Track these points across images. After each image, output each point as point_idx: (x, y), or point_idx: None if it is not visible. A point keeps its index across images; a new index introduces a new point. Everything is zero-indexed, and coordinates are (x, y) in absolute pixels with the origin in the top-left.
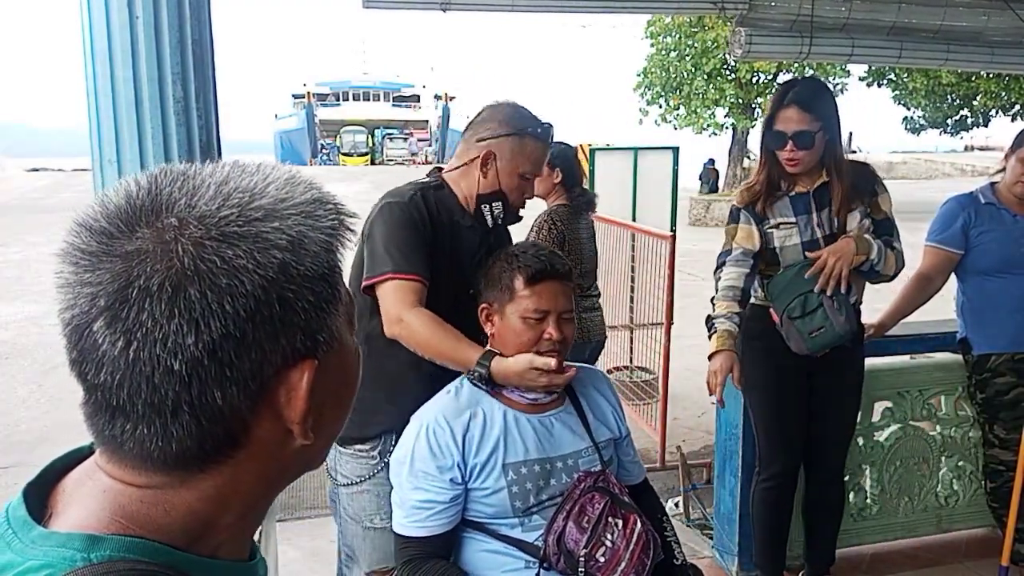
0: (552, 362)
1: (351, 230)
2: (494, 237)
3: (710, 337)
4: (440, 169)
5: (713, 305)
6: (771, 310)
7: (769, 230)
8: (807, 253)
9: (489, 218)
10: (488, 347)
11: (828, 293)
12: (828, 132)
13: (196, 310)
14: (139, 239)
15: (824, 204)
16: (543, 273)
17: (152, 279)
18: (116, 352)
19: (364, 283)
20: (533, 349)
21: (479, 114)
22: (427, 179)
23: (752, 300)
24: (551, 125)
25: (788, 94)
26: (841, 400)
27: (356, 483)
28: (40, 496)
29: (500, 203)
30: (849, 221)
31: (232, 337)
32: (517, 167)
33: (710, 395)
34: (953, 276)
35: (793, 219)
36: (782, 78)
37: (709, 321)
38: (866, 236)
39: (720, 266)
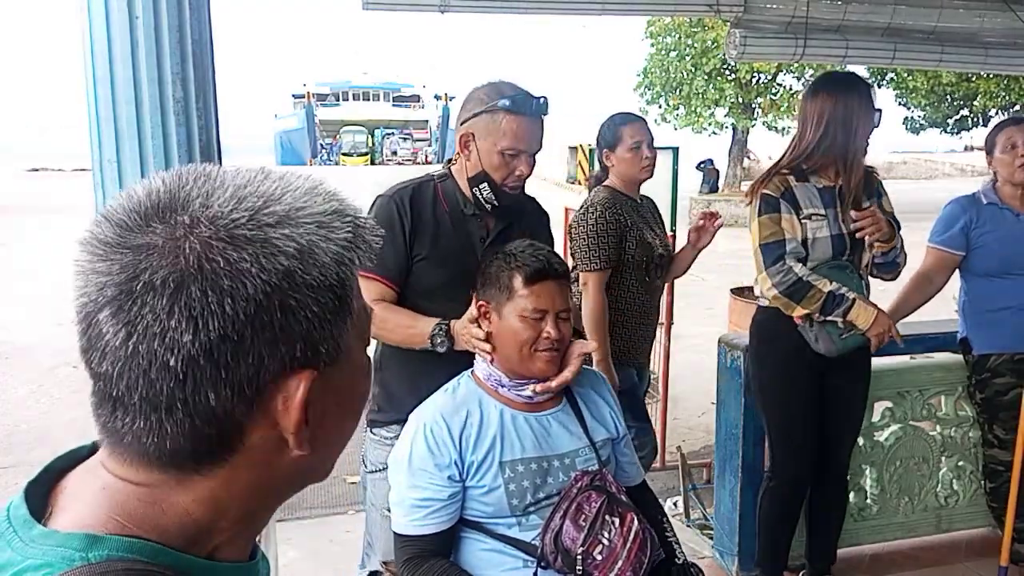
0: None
1: (369, 244)
2: (512, 222)
3: (846, 310)
4: (452, 162)
5: (810, 285)
6: (793, 312)
7: (803, 220)
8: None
9: (483, 202)
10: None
11: (866, 239)
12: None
13: (196, 309)
14: (151, 233)
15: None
16: (542, 273)
17: (157, 274)
18: (118, 343)
19: None
20: (532, 348)
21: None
22: (437, 171)
23: (764, 302)
24: (530, 95)
25: (865, 81)
26: (850, 401)
27: (380, 470)
28: (41, 495)
29: (486, 183)
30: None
31: (230, 339)
32: (494, 144)
33: (900, 344)
34: (956, 276)
35: (823, 211)
36: (782, 78)
37: (832, 297)
38: (891, 224)
39: (779, 258)
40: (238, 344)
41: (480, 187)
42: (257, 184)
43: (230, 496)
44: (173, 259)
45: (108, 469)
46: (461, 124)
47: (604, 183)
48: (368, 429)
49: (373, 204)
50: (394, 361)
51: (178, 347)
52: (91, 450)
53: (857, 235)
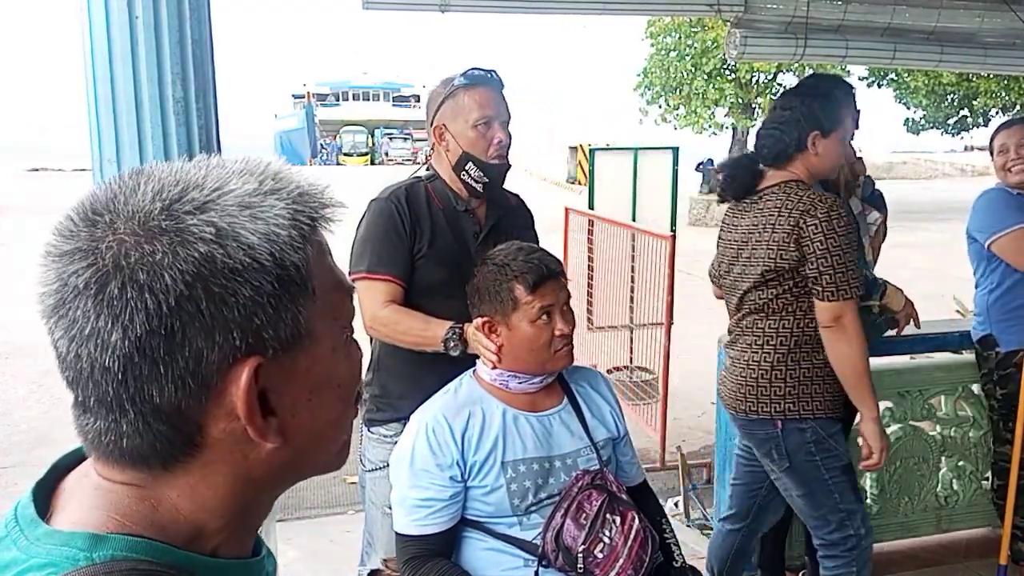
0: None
1: (322, 218)
2: (501, 216)
3: (882, 294)
4: (428, 158)
5: None
6: None
7: None
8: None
9: (473, 183)
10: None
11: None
12: None
13: (117, 306)
14: (77, 238)
15: (838, 193)
16: (542, 277)
17: (80, 277)
18: (64, 350)
19: (352, 277)
20: (550, 349)
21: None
22: (425, 172)
23: None
24: (481, 69)
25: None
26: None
27: (380, 468)
28: (46, 494)
29: (470, 162)
30: (854, 206)
31: (158, 333)
32: (465, 121)
33: (917, 328)
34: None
35: None
36: (782, 78)
37: (869, 282)
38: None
39: None
40: (168, 337)
41: (466, 169)
42: (183, 173)
43: (212, 491)
44: (92, 260)
45: (96, 470)
46: (431, 124)
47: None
48: (366, 428)
49: (368, 209)
50: (392, 361)
51: (109, 347)
52: None
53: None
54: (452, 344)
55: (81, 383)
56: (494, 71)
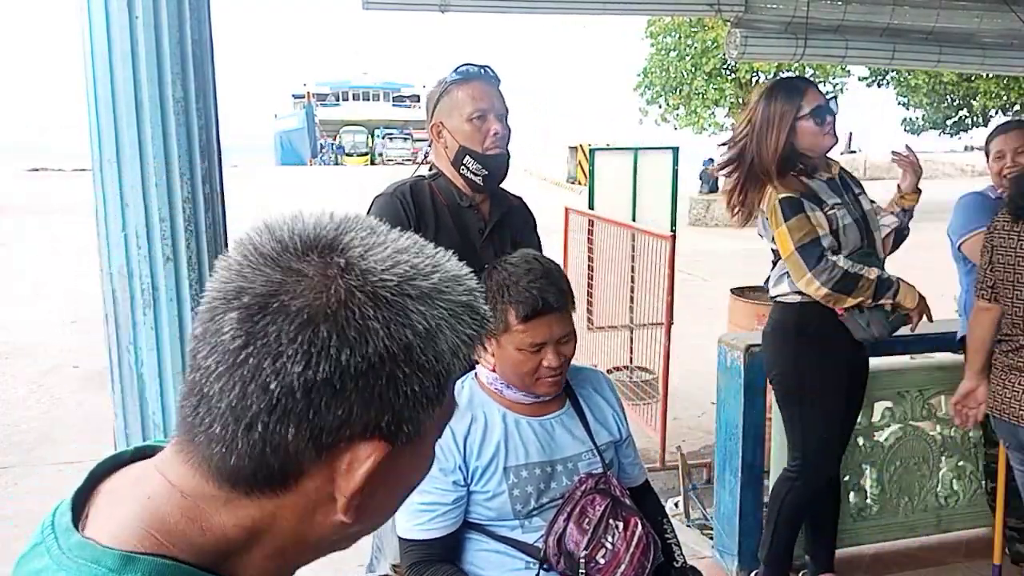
0: None
1: (484, 344)
2: (504, 213)
3: (895, 292)
4: (427, 156)
5: (858, 276)
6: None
7: (830, 212)
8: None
9: (472, 177)
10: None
11: (910, 319)
12: None
13: (316, 346)
14: (306, 263)
15: (847, 188)
16: (536, 311)
17: (296, 300)
18: (232, 347)
19: None
20: (534, 377)
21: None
22: (427, 172)
23: (800, 298)
24: (474, 64)
25: (800, 81)
26: (854, 396)
27: None
28: (82, 499)
29: (468, 156)
30: (864, 203)
31: (332, 386)
32: (460, 115)
33: (930, 321)
34: (956, 272)
35: (840, 199)
36: None
37: (881, 282)
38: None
39: (821, 256)
40: (337, 393)
41: (464, 163)
42: (413, 254)
43: (270, 531)
44: (315, 293)
45: (163, 472)
46: (430, 123)
47: None
48: None
49: (373, 203)
50: None
51: (284, 374)
52: (133, 455)
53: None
54: None
55: (225, 382)
56: (488, 66)
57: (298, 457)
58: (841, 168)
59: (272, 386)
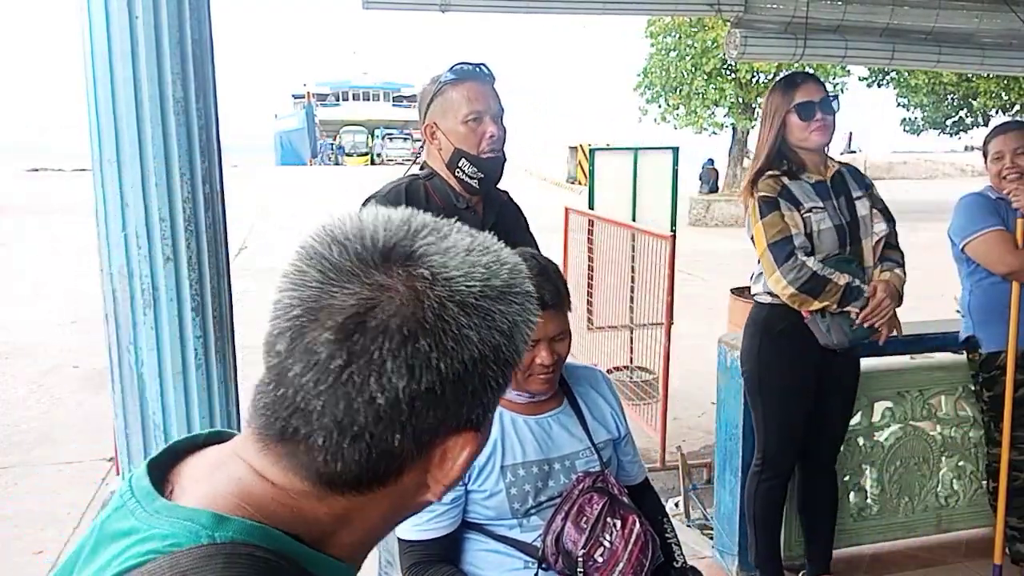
0: None
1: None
2: (501, 215)
3: (864, 306)
4: (418, 156)
5: (827, 279)
6: (808, 307)
7: (806, 215)
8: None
9: (468, 180)
10: None
11: (877, 332)
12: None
13: (418, 359)
14: (392, 277)
15: (840, 192)
16: None
17: (394, 318)
18: (332, 366)
19: None
20: (526, 373)
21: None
22: (421, 172)
23: (771, 299)
24: (469, 63)
25: (798, 76)
26: (846, 394)
27: None
28: (160, 473)
29: (463, 159)
30: (860, 209)
31: (433, 392)
32: (455, 117)
33: (900, 336)
34: (956, 272)
35: (821, 203)
36: None
37: (849, 289)
38: (899, 273)
39: (790, 254)
40: (438, 399)
41: (460, 166)
42: (479, 253)
43: (362, 518)
44: (412, 309)
45: (248, 462)
46: (423, 123)
47: None
48: None
49: (366, 205)
50: None
51: (390, 388)
52: (207, 438)
53: (864, 323)
54: None
55: (328, 399)
56: (483, 64)
57: (401, 458)
58: (844, 170)
59: (379, 400)
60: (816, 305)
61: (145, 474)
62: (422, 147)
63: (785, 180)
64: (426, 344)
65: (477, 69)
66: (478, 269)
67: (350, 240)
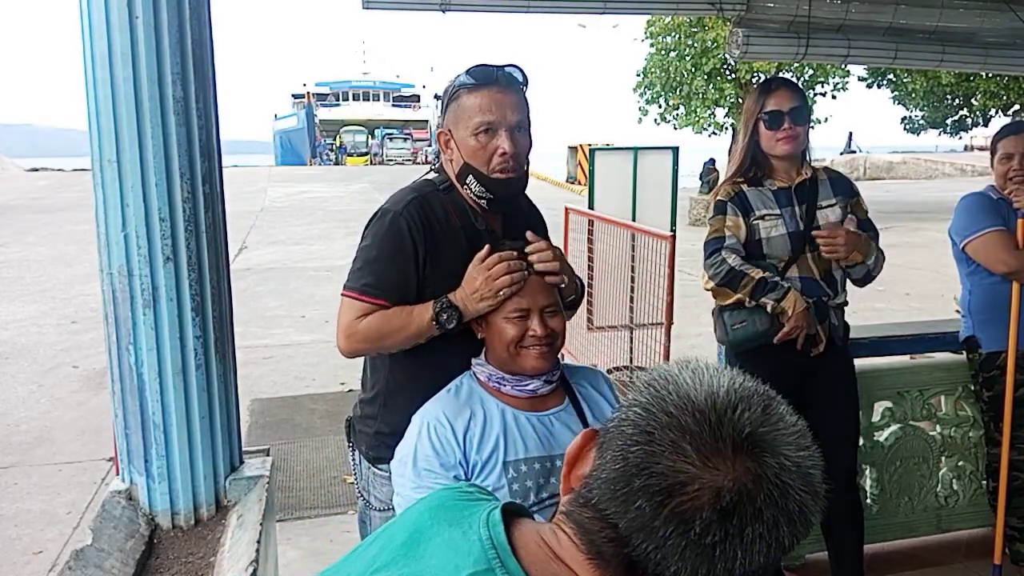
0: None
1: None
2: (518, 223)
3: (782, 296)
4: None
5: (743, 273)
6: (727, 300)
7: (755, 222)
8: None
9: (476, 200)
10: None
11: (825, 255)
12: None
13: (779, 541)
14: (762, 466)
15: (804, 199)
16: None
17: (769, 509)
18: (706, 541)
19: (343, 292)
20: (518, 346)
21: None
22: (437, 178)
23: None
24: (490, 66)
25: (773, 82)
26: (840, 400)
27: (389, 509)
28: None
29: (471, 175)
30: (822, 217)
31: (771, 562)
32: (466, 128)
33: (798, 348)
34: (956, 272)
35: (778, 211)
36: None
37: (764, 282)
38: (870, 242)
39: (715, 251)
40: (771, 563)
41: (467, 183)
42: (798, 431)
43: None
44: (783, 500)
45: (571, 565)
46: (439, 128)
47: None
48: (372, 465)
49: (375, 217)
50: (402, 399)
51: (749, 561)
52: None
53: (822, 250)
54: (446, 316)
55: (696, 563)
56: (503, 68)
57: None
58: (824, 178)
59: (735, 568)
60: (734, 298)
61: (500, 521)
62: (429, 147)
63: (744, 186)
64: (787, 531)
65: (496, 73)
66: (805, 453)
67: (718, 423)
